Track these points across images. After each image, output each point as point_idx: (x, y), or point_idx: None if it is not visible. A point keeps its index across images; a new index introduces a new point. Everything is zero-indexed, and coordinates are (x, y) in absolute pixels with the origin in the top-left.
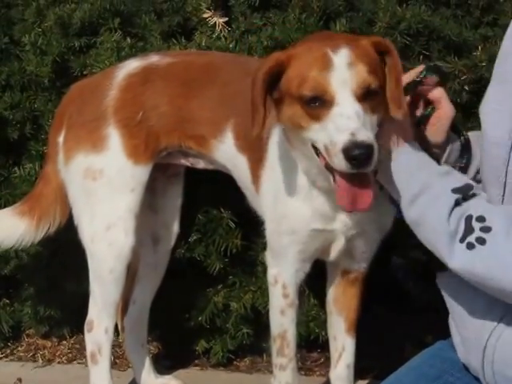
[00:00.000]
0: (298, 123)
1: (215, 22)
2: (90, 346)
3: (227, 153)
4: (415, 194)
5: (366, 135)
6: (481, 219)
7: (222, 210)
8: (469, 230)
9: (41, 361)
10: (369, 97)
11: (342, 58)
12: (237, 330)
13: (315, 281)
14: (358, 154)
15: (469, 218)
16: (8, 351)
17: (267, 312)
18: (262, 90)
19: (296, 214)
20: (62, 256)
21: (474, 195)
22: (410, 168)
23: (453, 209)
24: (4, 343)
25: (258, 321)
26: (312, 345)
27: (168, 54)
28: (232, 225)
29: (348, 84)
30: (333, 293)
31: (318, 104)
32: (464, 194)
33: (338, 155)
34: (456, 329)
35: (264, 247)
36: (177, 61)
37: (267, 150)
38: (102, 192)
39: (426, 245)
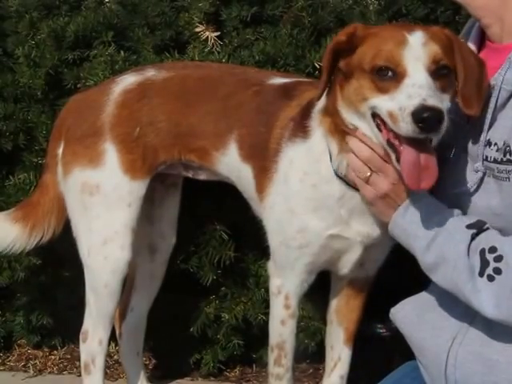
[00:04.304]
0: (362, 94)
1: (207, 37)
2: (84, 357)
3: (231, 165)
4: (431, 238)
5: (437, 102)
6: (493, 250)
7: (216, 221)
8: (484, 263)
9: (32, 371)
10: (440, 75)
11: (416, 37)
12: (228, 341)
13: (306, 292)
14: (426, 117)
15: (482, 252)
16: None
17: (258, 323)
18: (329, 59)
19: (313, 227)
20: (54, 267)
21: (486, 229)
22: (421, 217)
23: (470, 244)
24: None
25: (249, 332)
26: (301, 355)
27: (164, 66)
28: (225, 237)
29: (421, 59)
30: (335, 303)
31: (389, 76)
32: (478, 229)
33: (406, 119)
34: (418, 360)
35: (256, 259)
36: (173, 75)
37: (277, 162)
38: (99, 207)
39: (446, 286)
